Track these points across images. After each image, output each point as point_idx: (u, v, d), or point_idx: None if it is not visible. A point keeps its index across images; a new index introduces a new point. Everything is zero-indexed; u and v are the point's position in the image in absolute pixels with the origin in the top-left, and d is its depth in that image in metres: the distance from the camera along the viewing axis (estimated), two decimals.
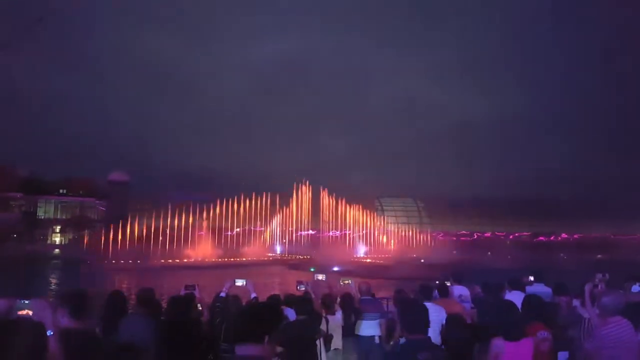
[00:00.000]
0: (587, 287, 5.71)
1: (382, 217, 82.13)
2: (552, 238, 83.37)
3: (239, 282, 5.93)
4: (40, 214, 76.61)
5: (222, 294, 5.69)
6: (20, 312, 2.57)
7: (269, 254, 67.46)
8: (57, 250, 66.66)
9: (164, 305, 5.45)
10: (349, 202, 74.08)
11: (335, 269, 39.24)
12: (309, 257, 59.91)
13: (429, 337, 3.45)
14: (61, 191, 78.87)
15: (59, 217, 77.70)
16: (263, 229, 72.09)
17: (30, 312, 2.57)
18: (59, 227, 77.40)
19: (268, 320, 2.60)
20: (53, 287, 30.61)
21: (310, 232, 72.47)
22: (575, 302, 6.20)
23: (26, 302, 2.61)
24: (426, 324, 3.40)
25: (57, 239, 77.11)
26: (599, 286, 7.00)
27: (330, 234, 72.63)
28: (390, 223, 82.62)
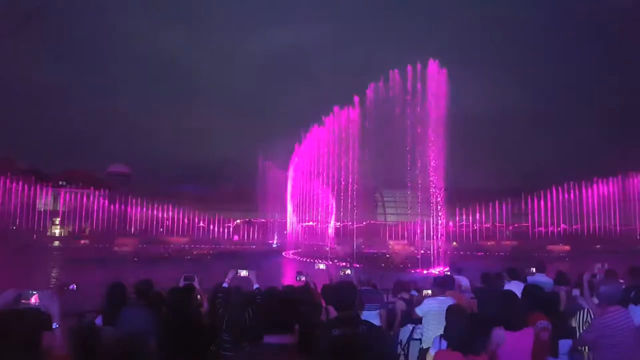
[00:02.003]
0: (586, 277, 5.67)
1: (382, 209, 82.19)
2: (550, 228, 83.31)
3: (242, 273, 5.88)
4: (40, 205, 76.53)
5: (225, 284, 5.65)
6: (26, 302, 2.56)
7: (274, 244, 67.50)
8: (56, 242, 66.71)
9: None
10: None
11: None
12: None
13: (356, 316, 3.66)
14: (61, 183, 78.75)
15: (58, 209, 77.65)
16: (264, 220, 72.16)
17: (37, 302, 2.57)
18: (58, 219, 77.39)
19: (298, 310, 2.62)
20: (54, 279, 30.62)
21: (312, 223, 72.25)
22: (575, 292, 6.21)
23: (33, 292, 2.60)
24: (352, 302, 3.57)
25: (57, 230, 77.13)
26: (597, 276, 6.99)
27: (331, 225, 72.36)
28: (390, 214, 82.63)
